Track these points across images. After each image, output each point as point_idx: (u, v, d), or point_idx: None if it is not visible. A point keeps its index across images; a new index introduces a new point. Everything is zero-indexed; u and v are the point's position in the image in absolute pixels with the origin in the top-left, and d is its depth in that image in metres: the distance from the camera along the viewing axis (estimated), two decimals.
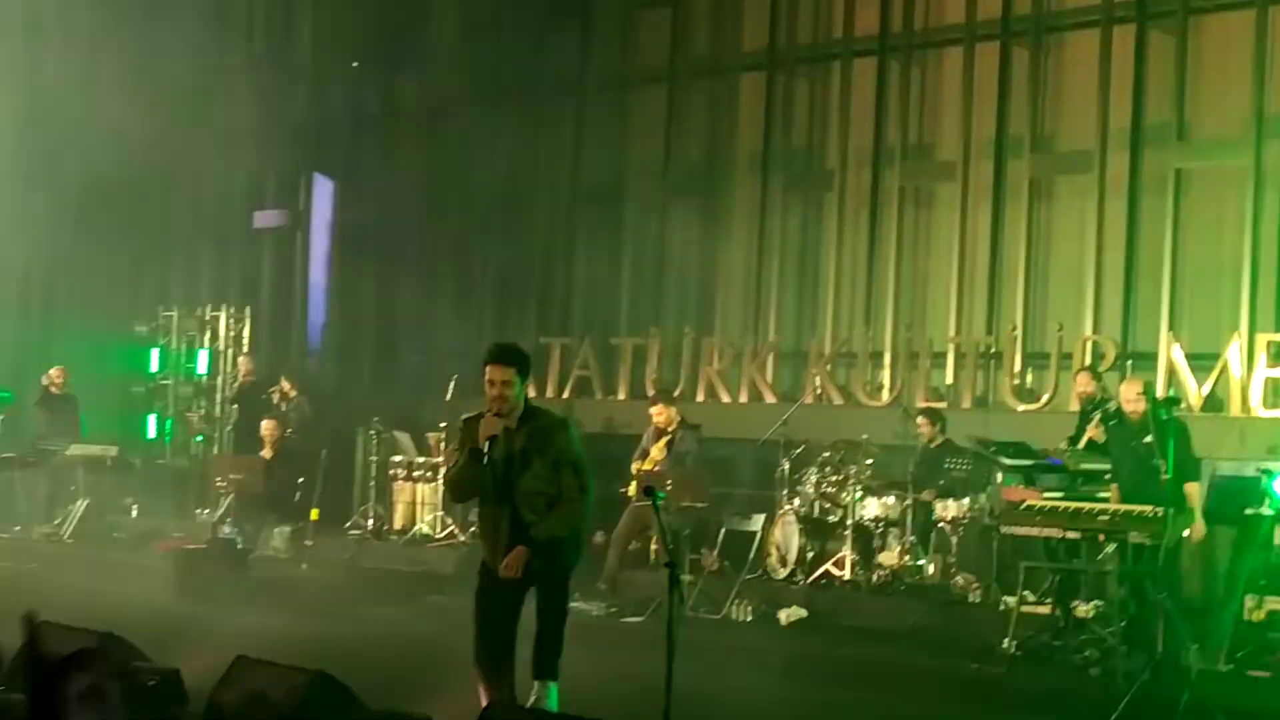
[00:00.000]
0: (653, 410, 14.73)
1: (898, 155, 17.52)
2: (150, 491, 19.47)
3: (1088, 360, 15.10)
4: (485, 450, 8.14)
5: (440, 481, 16.52)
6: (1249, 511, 11.73)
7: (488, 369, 8.22)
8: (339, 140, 21.97)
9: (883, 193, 17.56)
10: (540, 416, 8.40)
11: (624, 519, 14.13)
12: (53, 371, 19.05)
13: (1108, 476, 12.10)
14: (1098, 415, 12.58)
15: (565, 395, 18.25)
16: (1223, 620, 10.90)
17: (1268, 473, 11.75)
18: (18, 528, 18.26)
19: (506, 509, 8.24)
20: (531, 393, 8.47)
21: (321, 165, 22.09)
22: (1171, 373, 14.65)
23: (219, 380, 21.18)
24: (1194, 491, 11.36)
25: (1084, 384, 13.53)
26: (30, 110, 20.06)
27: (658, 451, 14.38)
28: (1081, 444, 12.72)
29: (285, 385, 18.54)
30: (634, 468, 14.59)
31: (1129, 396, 11.60)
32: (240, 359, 20.13)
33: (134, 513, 18.92)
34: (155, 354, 21.61)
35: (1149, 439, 10.70)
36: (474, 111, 20.37)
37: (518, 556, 8.17)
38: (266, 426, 17.39)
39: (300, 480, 16.90)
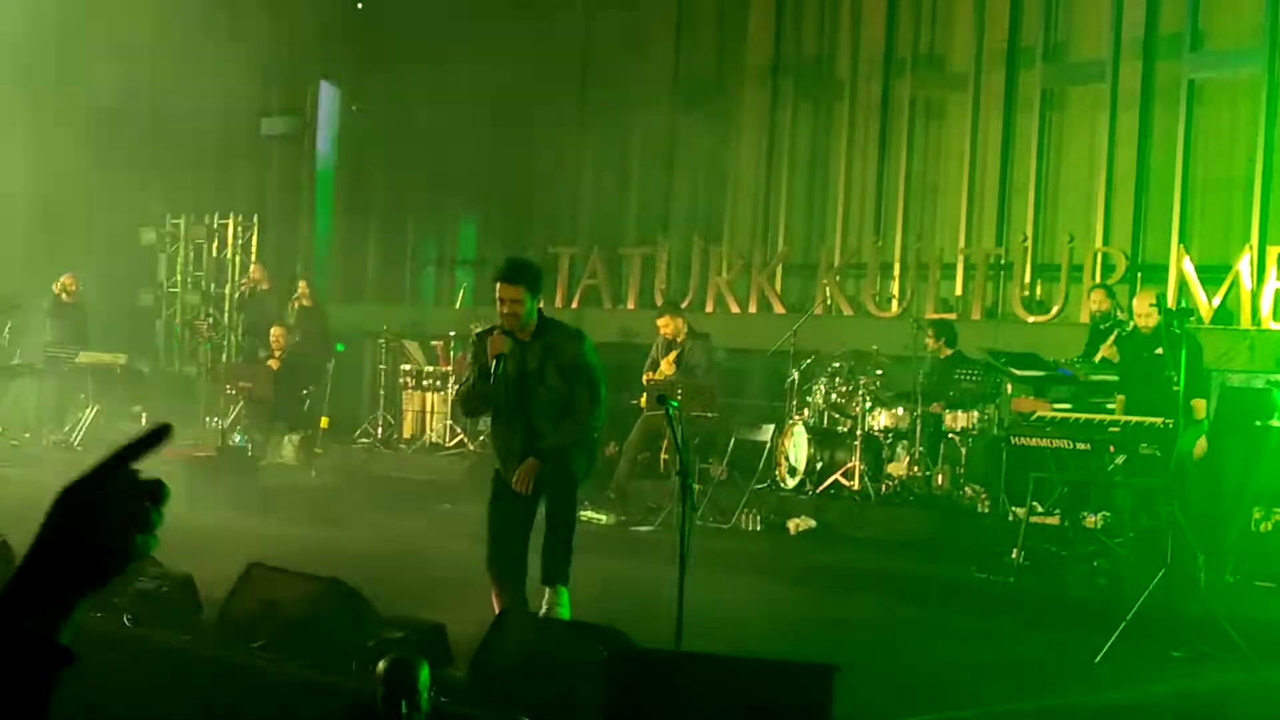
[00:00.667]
0: (659, 321, 14.71)
1: (909, 65, 17.41)
2: (159, 399, 19.51)
3: (1098, 272, 15.08)
4: (494, 369, 8.19)
5: (450, 390, 16.56)
6: (1258, 423, 11.76)
7: (498, 286, 8.26)
8: (345, 47, 21.81)
9: (893, 103, 17.46)
10: (554, 329, 8.44)
11: (635, 429, 14.17)
12: (64, 279, 19.04)
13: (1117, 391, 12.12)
14: (1114, 335, 12.56)
15: (574, 305, 18.23)
16: (1231, 531, 10.94)
17: (1277, 385, 11.76)
18: (28, 434, 18.32)
19: (520, 421, 8.30)
20: (541, 304, 8.48)
21: (328, 72, 21.95)
22: (1182, 285, 14.63)
23: (227, 289, 21.17)
24: (1200, 407, 11.37)
25: (1099, 301, 13.49)
26: (35, 25, 19.92)
27: (667, 365, 14.38)
28: (1097, 359, 12.70)
29: (303, 289, 18.54)
30: (645, 378, 14.60)
31: (1141, 309, 11.59)
32: (253, 266, 20.11)
33: (143, 420, 18.96)
34: (163, 261, 21.60)
35: (1160, 350, 10.68)
36: (481, 18, 20.21)
37: (529, 470, 8.22)
38: (275, 334, 17.40)
39: (309, 388, 16.93)
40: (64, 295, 19.05)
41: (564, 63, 19.89)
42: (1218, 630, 8.86)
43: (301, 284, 18.61)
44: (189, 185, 21.44)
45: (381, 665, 5.95)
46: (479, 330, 8.51)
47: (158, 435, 1.91)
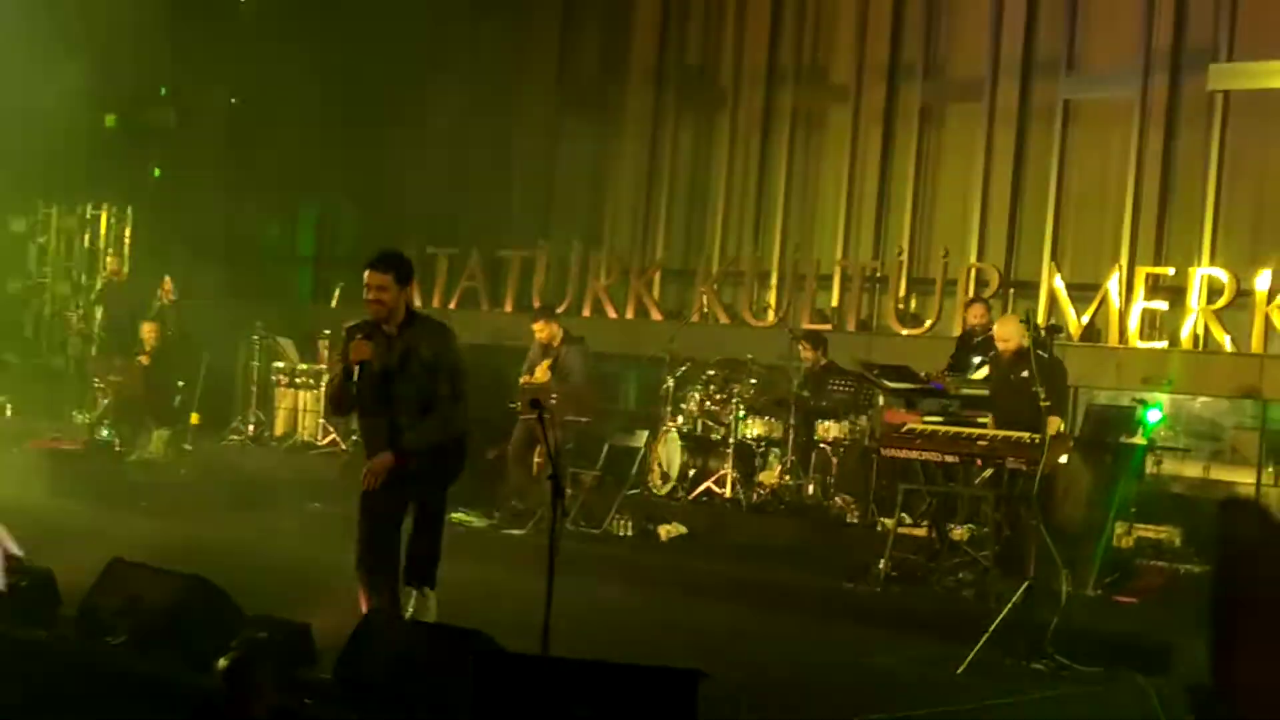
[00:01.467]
0: (535, 326, 14.63)
1: (791, 76, 17.55)
2: (26, 391, 19.18)
3: (972, 287, 15.27)
4: (355, 374, 8.15)
5: (323, 389, 16.43)
6: (1123, 440, 11.97)
7: (366, 274, 8.23)
8: (229, 39, 21.53)
9: (775, 113, 17.59)
10: (420, 323, 8.41)
11: (515, 433, 14.08)
12: None
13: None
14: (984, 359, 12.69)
15: (452, 306, 18.14)
16: (1093, 546, 11.10)
17: (1143, 403, 11.96)
18: None
19: (384, 418, 8.25)
20: (418, 303, 8.46)
21: (207, 63, 21.65)
22: (1052, 302, 14.86)
23: (98, 280, 20.84)
24: (1055, 423, 11.44)
25: (978, 315, 13.62)
26: None
27: (542, 371, 14.30)
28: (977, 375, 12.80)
29: (167, 285, 18.27)
30: (521, 381, 14.54)
31: (1002, 334, 11.73)
32: (109, 258, 19.78)
33: (8, 411, 18.64)
34: (34, 251, 21.23)
35: (1026, 373, 10.85)
36: (366, 17, 20.04)
37: (378, 465, 8.18)
38: (147, 329, 17.16)
39: (180, 384, 16.71)
40: None
41: (448, 61, 19.80)
42: (1078, 642, 9.01)
43: (165, 280, 18.33)
44: (61, 174, 21.10)
45: (222, 663, 5.90)
46: (349, 325, 8.44)
47: None
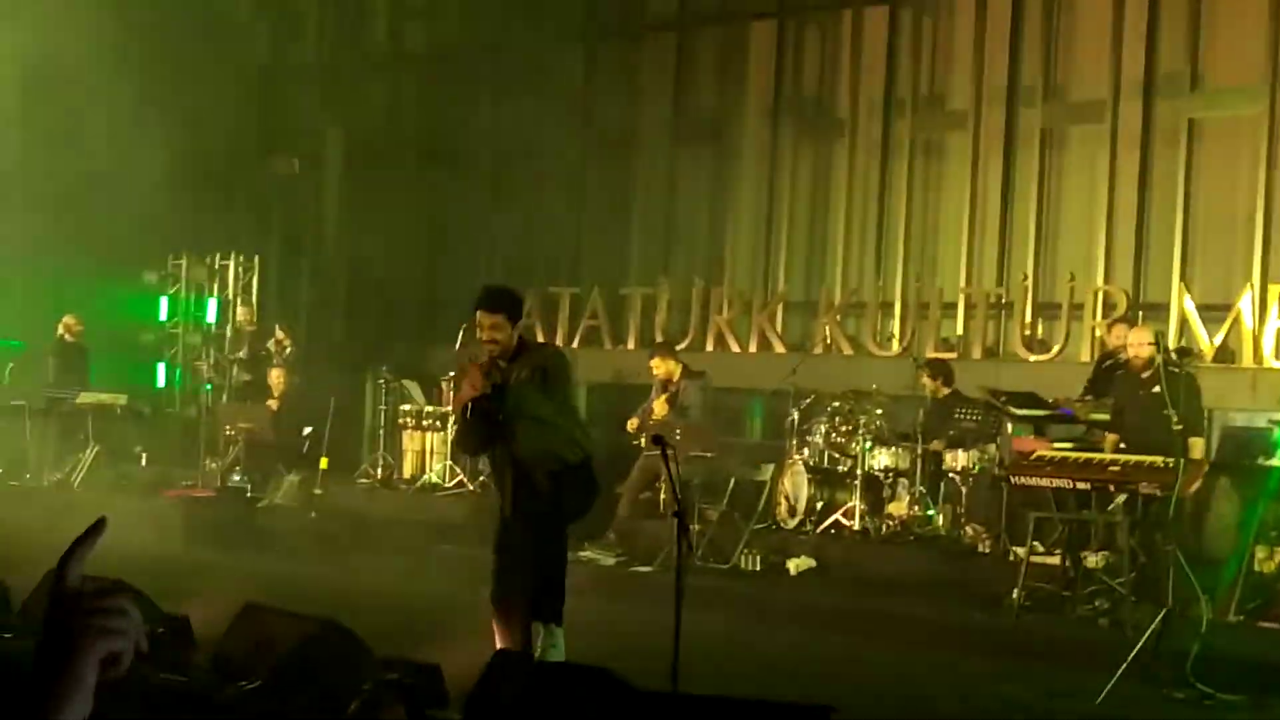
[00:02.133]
0: (651, 363, 14.64)
1: (909, 104, 17.44)
2: (159, 440, 19.48)
3: (1099, 310, 15.06)
4: (467, 411, 8.21)
5: (450, 431, 16.56)
6: (1260, 462, 11.72)
7: (477, 314, 8.27)
8: (349, 88, 21.84)
9: (893, 142, 17.48)
10: (533, 349, 8.50)
11: (635, 469, 14.10)
12: (68, 319, 19.04)
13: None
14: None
15: (574, 345, 18.20)
16: (1232, 571, 10.88)
17: (1278, 424, 11.72)
18: (28, 475, 18.28)
19: (507, 448, 8.29)
20: (526, 334, 8.51)
21: (331, 111, 21.96)
22: (1183, 323, 14.61)
23: (227, 329, 21.15)
24: (1197, 445, 11.29)
25: (1120, 336, 13.30)
26: (41, 56, 19.96)
27: (660, 406, 14.26)
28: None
29: (280, 334, 18.56)
30: (641, 418, 14.50)
31: (1138, 343, 11.53)
32: (238, 307, 20.08)
33: (143, 461, 18.94)
34: (164, 302, 21.60)
35: (1158, 389, 10.63)
36: (481, 58, 20.24)
37: (483, 366, 8.19)
38: (275, 375, 17.41)
39: (309, 429, 16.90)
40: (67, 335, 19.05)
41: (566, 103, 19.90)
42: (1220, 670, 8.81)
43: (277, 328, 18.63)
44: (191, 225, 21.44)
45: (354, 705, 5.91)
46: (469, 360, 8.51)
47: (91, 531, 1.94)
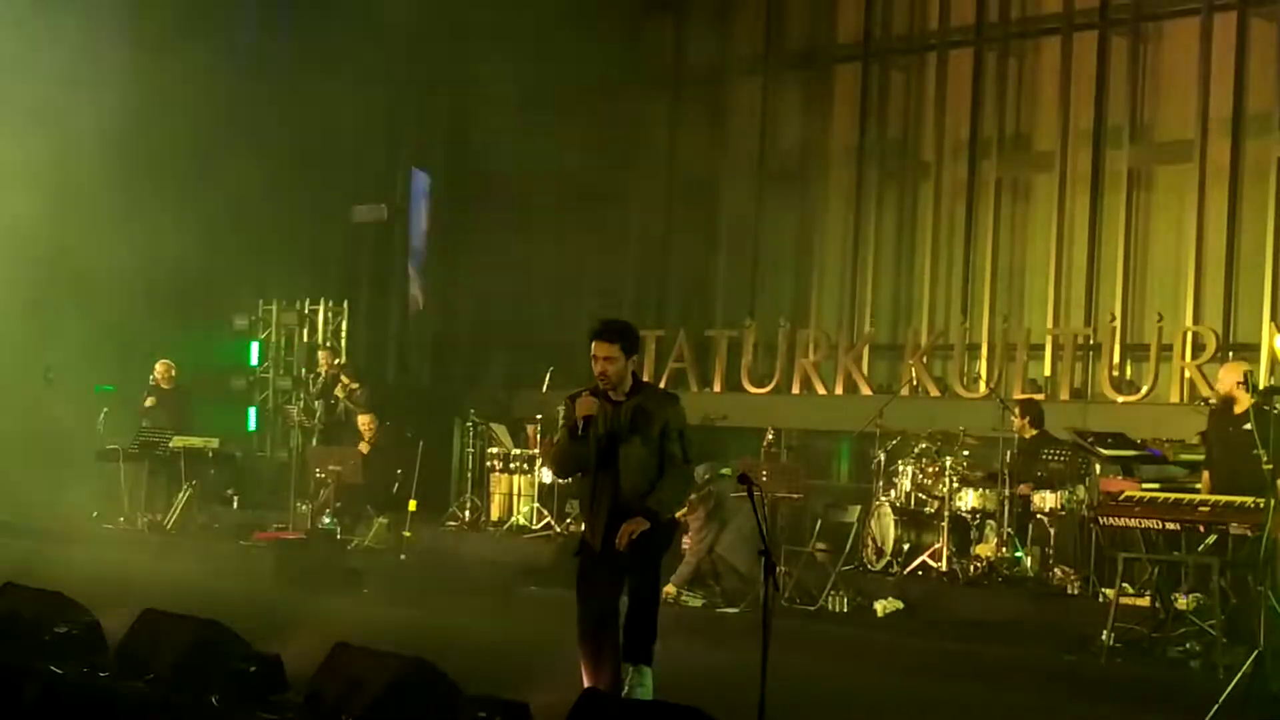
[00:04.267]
0: None
1: (994, 146, 17.44)
2: (251, 483, 19.70)
3: (1189, 351, 14.97)
4: (580, 427, 8.26)
5: (536, 474, 16.67)
6: None
7: (593, 345, 8.35)
8: (436, 134, 22.06)
9: (979, 184, 17.48)
10: (648, 390, 8.58)
11: None
12: (158, 368, 19.32)
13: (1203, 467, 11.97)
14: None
15: (661, 387, 18.24)
16: None
17: None
18: (122, 519, 18.52)
19: (608, 481, 8.34)
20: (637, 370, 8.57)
21: (418, 159, 22.19)
22: (1274, 363, 14.48)
23: (313, 374, 21.36)
24: None
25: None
26: (135, 108, 20.30)
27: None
28: None
29: (345, 379, 18.83)
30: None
31: (1228, 381, 11.44)
32: (320, 353, 20.29)
33: (235, 504, 19.15)
34: (255, 347, 21.86)
35: (1248, 426, 10.53)
36: (569, 103, 20.41)
37: (635, 526, 8.21)
38: (364, 420, 17.62)
39: (398, 471, 17.04)
40: (163, 382, 19.32)
41: (651, 145, 20.05)
42: None
43: (342, 374, 18.90)
44: (280, 271, 21.72)
45: None
46: (571, 394, 8.58)
47: None
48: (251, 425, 21.78)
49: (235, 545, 16.79)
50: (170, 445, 18.51)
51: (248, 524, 17.85)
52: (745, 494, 7.55)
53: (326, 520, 16.84)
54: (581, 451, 8.39)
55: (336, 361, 19.77)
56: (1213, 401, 12.47)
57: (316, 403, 19.77)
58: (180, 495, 18.22)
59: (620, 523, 8.28)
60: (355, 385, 18.81)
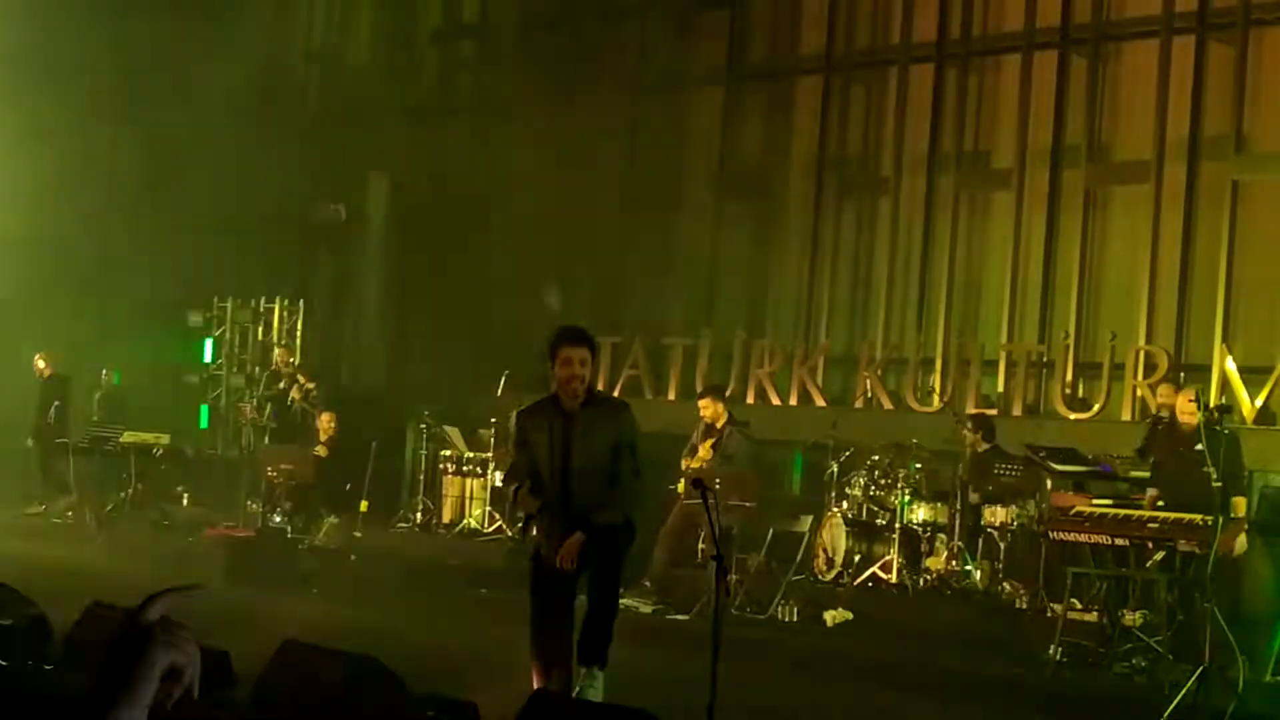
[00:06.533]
0: (701, 403, 14.72)
1: (953, 162, 17.51)
2: (202, 480, 19.62)
3: (1141, 370, 15.07)
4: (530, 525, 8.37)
5: (490, 477, 16.65)
6: None
7: (564, 349, 8.25)
8: (395, 135, 22.02)
9: (937, 199, 17.54)
10: (601, 400, 8.53)
11: (672, 516, 14.13)
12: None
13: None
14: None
15: (615, 394, 18.23)
16: (1271, 631, 10.84)
17: None
18: (70, 513, 18.42)
19: (560, 491, 8.32)
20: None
21: (377, 161, 22.14)
22: (1224, 384, 14.58)
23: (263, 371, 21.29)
24: (1240, 504, 11.30)
25: (1164, 395, 13.32)
26: (87, 104, 20.22)
27: (705, 451, 14.37)
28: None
29: (301, 378, 18.81)
30: (683, 464, 14.59)
31: (1185, 408, 11.55)
32: (277, 350, 20.23)
33: (185, 501, 19.07)
34: (209, 345, 21.77)
35: (1199, 446, 10.63)
36: (529, 109, 20.40)
37: (574, 545, 8.21)
38: (325, 419, 17.55)
39: (349, 481, 17.00)
40: (44, 373, 19.36)
41: (609, 153, 20.04)
42: None
43: (299, 375, 18.88)
44: (236, 269, 21.65)
45: None
46: (520, 410, 8.55)
47: (186, 587, 2.14)
48: (204, 423, 21.68)
49: (185, 541, 16.71)
50: (120, 440, 18.42)
51: (198, 521, 17.78)
52: (699, 500, 7.57)
53: (277, 519, 16.77)
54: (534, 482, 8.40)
55: (292, 360, 19.71)
56: (1164, 415, 12.62)
57: (267, 402, 19.71)
58: (129, 491, 18.14)
59: (572, 532, 8.29)
60: (311, 385, 18.76)
